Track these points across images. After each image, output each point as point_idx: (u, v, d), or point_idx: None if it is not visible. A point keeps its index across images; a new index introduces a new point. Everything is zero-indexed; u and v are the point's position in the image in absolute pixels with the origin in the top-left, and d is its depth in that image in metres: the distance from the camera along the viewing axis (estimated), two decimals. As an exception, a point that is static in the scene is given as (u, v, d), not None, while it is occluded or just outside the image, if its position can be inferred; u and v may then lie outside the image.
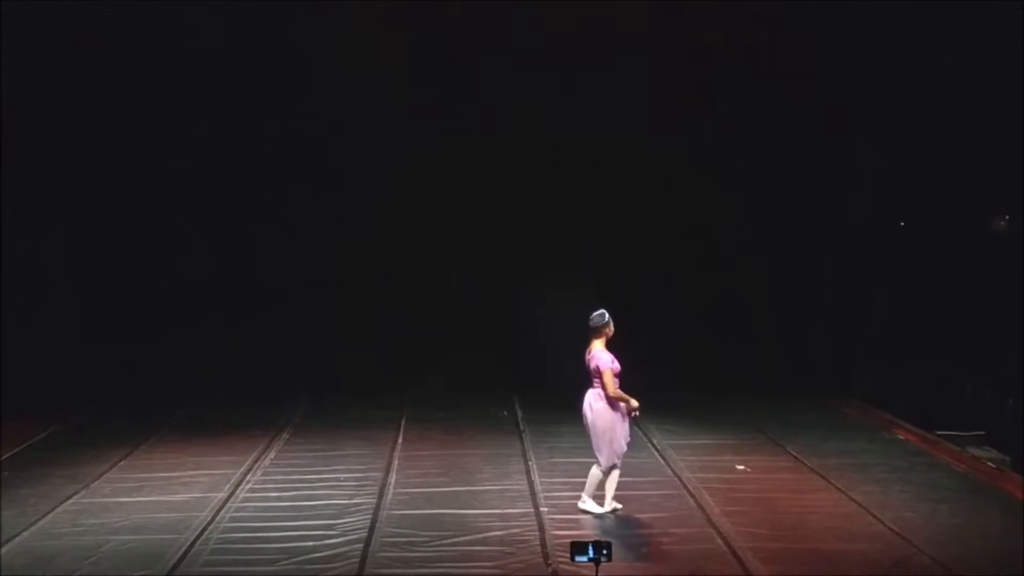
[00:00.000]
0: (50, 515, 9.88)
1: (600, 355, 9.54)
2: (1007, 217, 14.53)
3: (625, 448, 9.68)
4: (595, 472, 9.73)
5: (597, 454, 9.65)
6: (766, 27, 15.38)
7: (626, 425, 9.63)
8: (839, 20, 15.12)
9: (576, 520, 9.55)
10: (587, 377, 9.66)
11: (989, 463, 11.67)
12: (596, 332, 9.59)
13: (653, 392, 14.48)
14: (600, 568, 7.13)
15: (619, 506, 9.79)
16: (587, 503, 9.82)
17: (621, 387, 9.54)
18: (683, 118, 16.09)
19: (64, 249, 16.02)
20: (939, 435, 12.75)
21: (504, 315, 16.70)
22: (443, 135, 16.63)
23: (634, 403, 9.50)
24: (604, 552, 6.97)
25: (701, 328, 16.38)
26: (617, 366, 9.53)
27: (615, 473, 9.73)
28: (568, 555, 7.19)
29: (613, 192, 16.61)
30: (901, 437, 12.88)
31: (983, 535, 9.26)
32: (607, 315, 9.62)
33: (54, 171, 15.54)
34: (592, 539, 7.09)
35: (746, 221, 16.54)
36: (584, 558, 7.00)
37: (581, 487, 10.34)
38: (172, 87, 15.94)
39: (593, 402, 9.60)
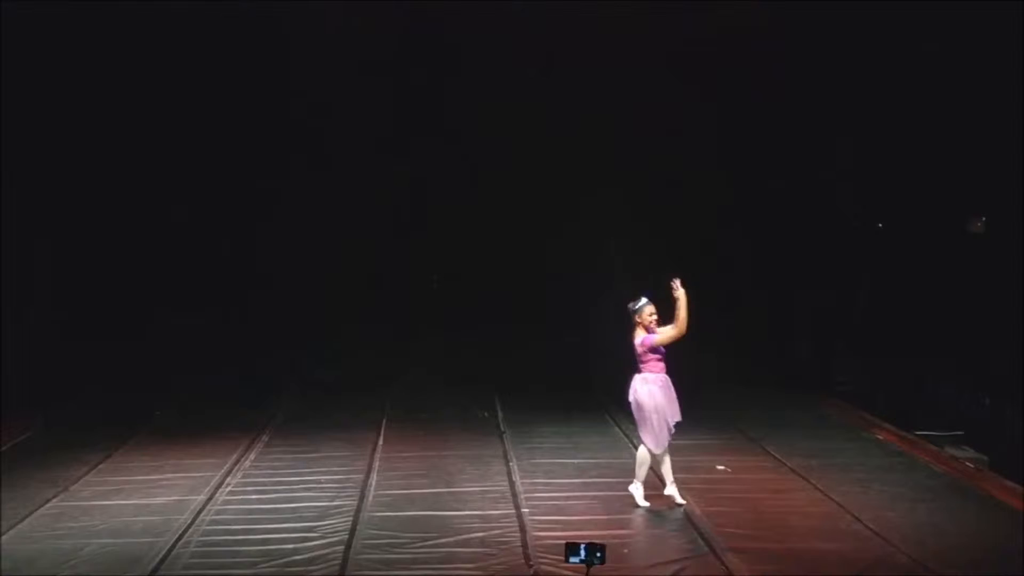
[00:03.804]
0: (28, 519, 9.82)
1: (645, 339, 9.55)
2: (984, 218, 14.61)
3: (672, 431, 9.69)
4: (642, 453, 9.74)
5: (644, 437, 9.67)
6: (756, 26, 15.46)
7: (675, 406, 9.66)
8: (825, 20, 15.20)
9: (558, 521, 9.54)
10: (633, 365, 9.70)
11: (967, 463, 11.73)
12: (632, 321, 9.60)
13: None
14: (590, 570, 7.14)
15: (683, 501, 9.79)
16: (636, 490, 9.83)
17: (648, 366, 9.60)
18: (667, 117, 16.17)
19: (46, 249, 15.94)
20: (918, 435, 12.80)
21: (487, 315, 16.76)
22: (437, 129, 16.69)
23: (678, 294, 9.38)
24: (598, 555, 6.98)
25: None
26: (662, 349, 9.58)
27: (667, 462, 9.75)
28: (548, 556, 7.20)
29: (601, 187, 16.69)
30: (880, 437, 12.93)
31: (962, 534, 9.31)
32: (641, 302, 9.59)
33: (40, 168, 15.45)
34: (586, 541, 7.10)
35: (728, 218, 16.64)
36: (576, 559, 7.01)
37: (562, 487, 10.38)
38: (162, 83, 15.90)
39: (639, 386, 9.62)
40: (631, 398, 9.70)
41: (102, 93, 15.65)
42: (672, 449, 9.78)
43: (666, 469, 9.83)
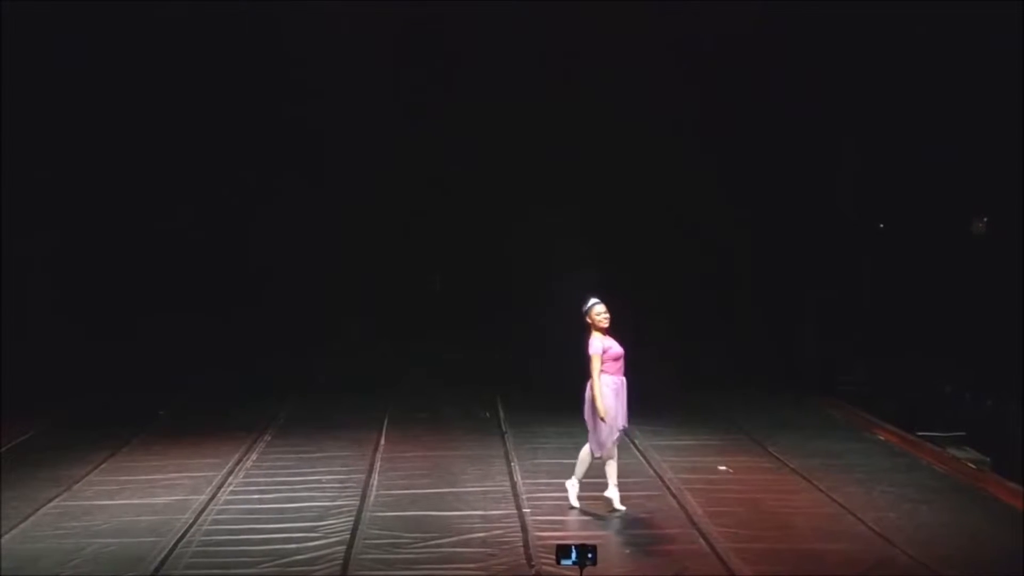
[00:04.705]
0: (32, 518, 9.82)
1: (590, 343, 9.53)
2: (985, 219, 14.62)
3: (616, 436, 9.64)
4: (584, 453, 9.76)
5: (590, 439, 9.67)
6: (758, 24, 15.45)
7: (624, 411, 9.59)
8: (829, 21, 15.20)
9: (559, 521, 9.55)
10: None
11: (969, 464, 11.72)
12: (584, 322, 9.61)
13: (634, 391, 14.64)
14: (584, 571, 7.13)
15: (622, 508, 9.76)
16: (572, 487, 9.83)
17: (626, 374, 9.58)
18: (673, 117, 16.17)
19: (49, 246, 15.93)
20: (920, 436, 12.80)
21: (488, 316, 16.75)
22: (429, 129, 16.66)
23: (600, 411, 9.41)
24: (589, 556, 6.97)
25: (685, 326, 16.47)
26: (614, 351, 9.50)
27: (612, 465, 9.71)
28: (549, 556, 7.20)
29: (603, 187, 16.67)
30: (883, 438, 12.93)
31: (964, 535, 9.30)
32: (590, 302, 9.60)
33: (41, 169, 15.45)
34: (578, 542, 7.09)
35: (731, 218, 16.63)
36: (568, 561, 7.00)
37: (564, 488, 10.34)
38: (158, 80, 15.88)
39: (588, 387, 9.62)
40: (585, 397, 9.68)
41: (101, 94, 15.66)
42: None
43: (611, 471, 9.75)
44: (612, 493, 9.76)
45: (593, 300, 9.60)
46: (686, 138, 16.39)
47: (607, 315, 9.53)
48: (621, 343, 9.60)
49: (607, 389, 9.51)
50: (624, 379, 9.62)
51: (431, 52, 16.32)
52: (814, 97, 15.82)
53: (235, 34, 15.91)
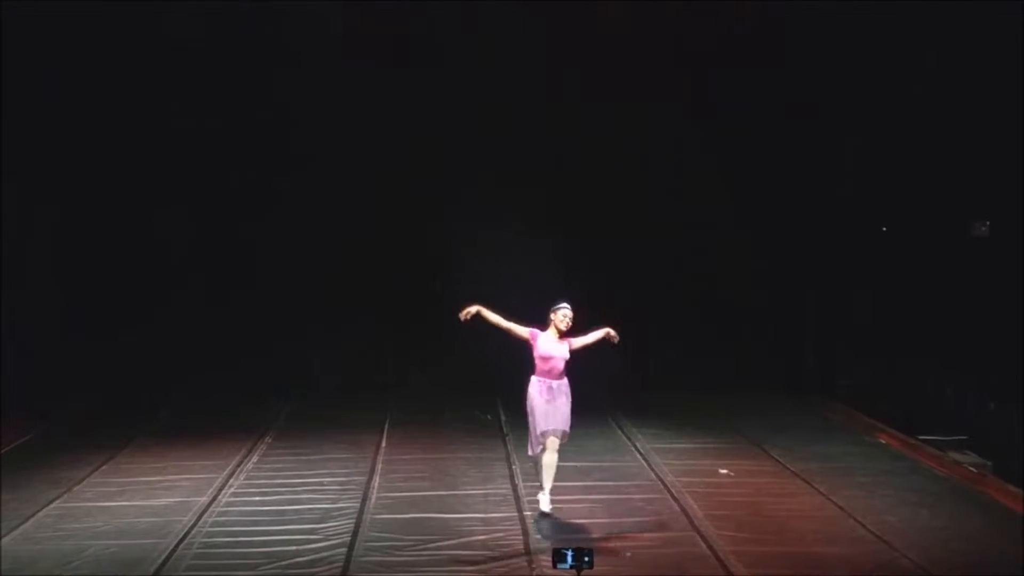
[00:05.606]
0: (31, 520, 9.83)
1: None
2: (987, 222, 14.62)
3: (548, 437, 9.61)
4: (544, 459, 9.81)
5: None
6: (760, 25, 15.44)
7: (559, 414, 9.61)
8: (830, 24, 15.19)
9: (559, 524, 9.56)
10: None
11: (970, 468, 11.72)
12: (547, 320, 9.76)
13: (633, 393, 14.65)
14: (582, 574, 7.13)
15: (546, 509, 9.70)
16: (542, 495, 9.86)
17: (568, 374, 9.70)
18: (673, 115, 16.14)
19: (46, 247, 15.90)
20: (920, 439, 12.80)
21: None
22: (427, 129, 16.63)
23: (470, 310, 9.51)
24: (585, 559, 6.96)
25: (684, 328, 16.45)
26: (545, 351, 9.59)
27: (551, 466, 9.66)
28: (550, 560, 7.19)
29: (597, 188, 16.65)
30: (883, 441, 12.94)
31: (964, 539, 9.32)
32: (557, 303, 9.73)
33: (41, 168, 15.41)
34: (577, 545, 7.09)
35: (730, 219, 16.61)
36: (565, 565, 6.99)
37: (564, 490, 10.38)
38: (157, 72, 15.86)
39: (528, 387, 9.72)
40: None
41: (101, 92, 15.64)
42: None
43: (547, 475, 9.71)
44: (542, 496, 9.73)
45: (562, 303, 9.75)
46: (686, 138, 16.37)
47: (569, 320, 9.68)
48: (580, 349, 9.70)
49: (534, 391, 9.64)
50: (562, 382, 9.67)
51: (430, 54, 16.28)
52: (816, 97, 15.81)
53: (239, 34, 15.89)
